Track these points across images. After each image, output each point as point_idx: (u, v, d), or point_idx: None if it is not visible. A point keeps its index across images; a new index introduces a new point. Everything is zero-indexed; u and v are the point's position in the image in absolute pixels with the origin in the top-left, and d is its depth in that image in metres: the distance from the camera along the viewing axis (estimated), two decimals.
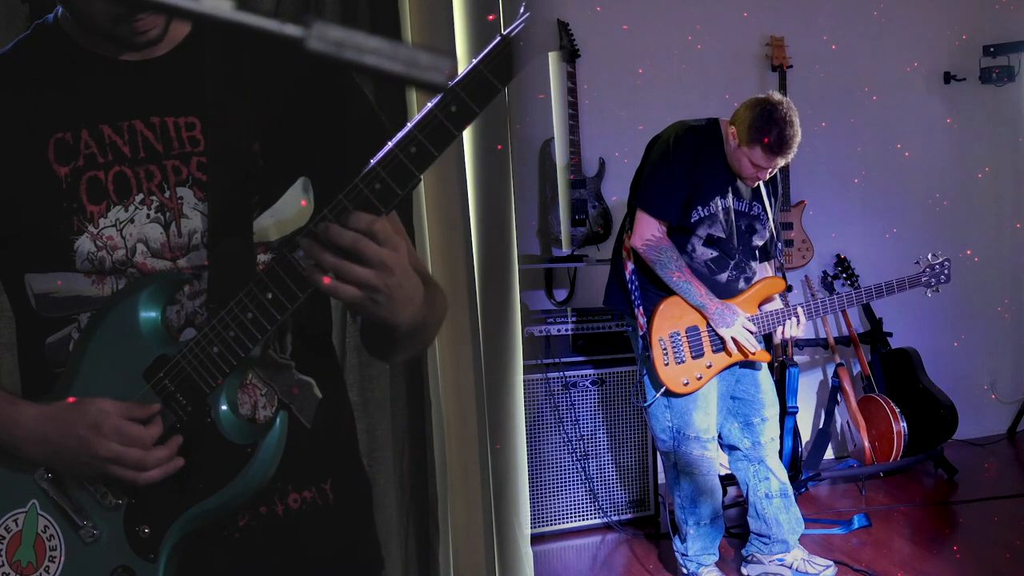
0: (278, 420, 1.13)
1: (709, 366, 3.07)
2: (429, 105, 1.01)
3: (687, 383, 3.06)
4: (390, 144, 1.02)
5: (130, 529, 1.14)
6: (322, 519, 1.27)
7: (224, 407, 1.13)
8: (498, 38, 1.01)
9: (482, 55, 1.00)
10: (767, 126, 2.92)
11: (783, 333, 3.11)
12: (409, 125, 1.02)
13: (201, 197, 1.17)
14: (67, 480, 1.16)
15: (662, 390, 3.06)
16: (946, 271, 3.21)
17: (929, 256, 3.24)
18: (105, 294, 1.16)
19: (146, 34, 1.15)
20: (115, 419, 1.10)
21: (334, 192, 1.04)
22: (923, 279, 3.21)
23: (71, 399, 1.14)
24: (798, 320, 3.08)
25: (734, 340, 3.03)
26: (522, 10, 1.03)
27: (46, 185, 1.15)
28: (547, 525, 3.77)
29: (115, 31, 1.14)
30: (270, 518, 1.22)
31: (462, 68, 0.99)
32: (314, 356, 1.27)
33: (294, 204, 1.19)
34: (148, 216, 1.16)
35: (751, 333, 3.05)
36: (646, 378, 3.14)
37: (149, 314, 1.14)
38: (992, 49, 5.11)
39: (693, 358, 3.06)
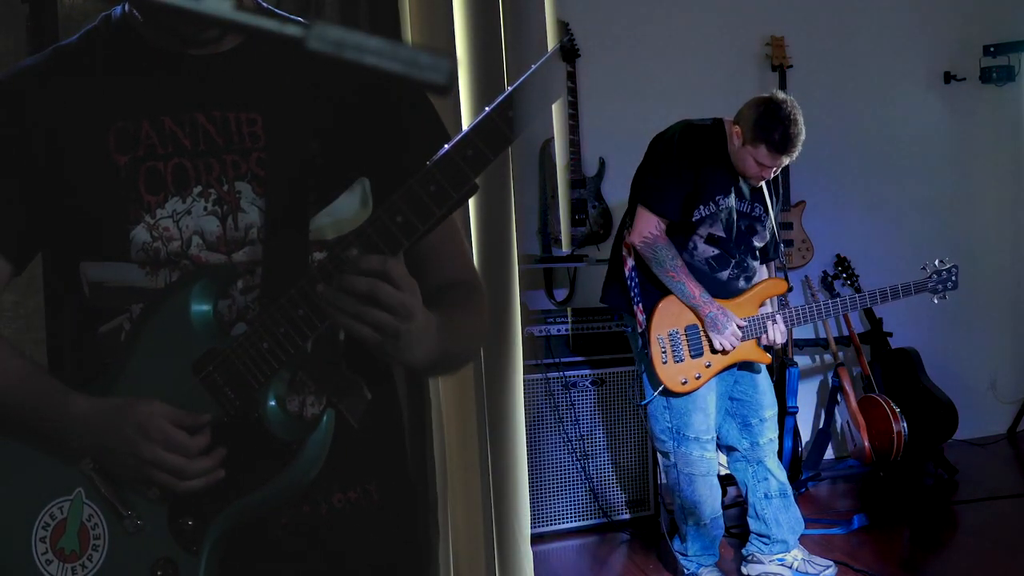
0: (325, 418, 1.13)
1: (708, 365, 3.07)
2: (487, 109, 1.01)
3: (685, 382, 3.06)
4: (447, 147, 1.02)
5: (174, 521, 1.14)
6: (366, 520, 1.27)
7: (272, 403, 1.13)
8: (550, 51, 1.03)
9: (537, 64, 1.01)
10: (772, 124, 2.92)
11: (764, 339, 3.09)
12: (467, 129, 1.02)
13: (259, 192, 1.18)
14: (113, 476, 1.16)
15: (660, 389, 3.06)
16: (954, 277, 3.18)
17: (936, 262, 3.20)
18: (158, 286, 1.17)
19: (208, 29, 1.16)
20: (162, 423, 1.10)
21: (391, 193, 1.05)
22: (930, 285, 3.20)
23: (124, 397, 1.14)
24: (777, 326, 3.07)
25: (721, 344, 3.04)
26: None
27: (105, 173, 1.16)
28: (547, 525, 3.77)
29: (179, 25, 1.15)
30: (313, 517, 1.22)
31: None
32: (365, 356, 1.26)
33: (351, 204, 1.20)
34: (205, 209, 1.17)
35: (738, 340, 3.05)
36: (645, 376, 3.14)
37: (201, 307, 1.14)
38: (992, 49, 5.11)
39: (692, 357, 3.06)
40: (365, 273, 1.04)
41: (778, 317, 3.08)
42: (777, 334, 3.07)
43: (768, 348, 3.15)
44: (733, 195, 3.09)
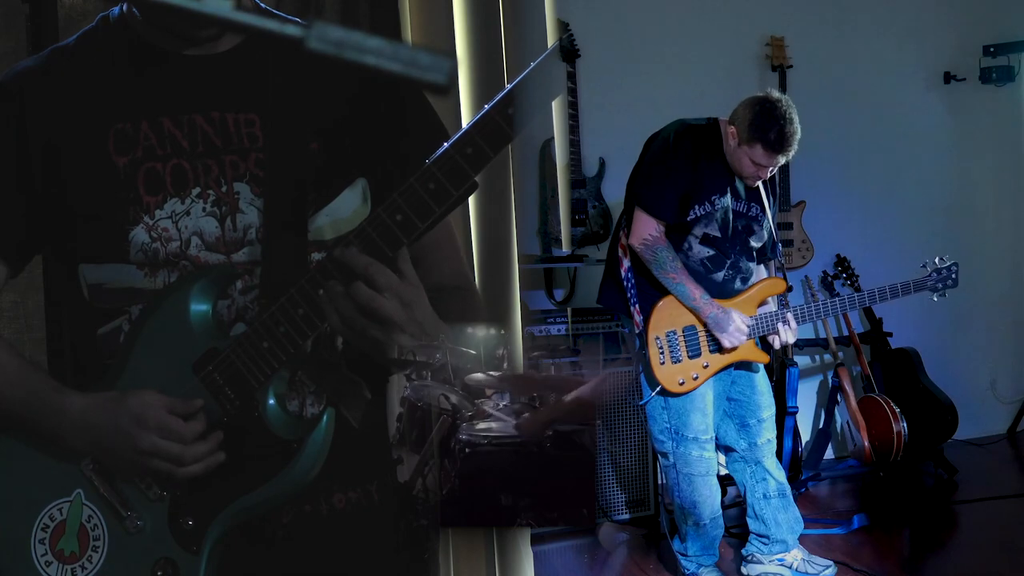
0: (325, 417, 1.13)
1: (706, 366, 3.07)
2: (487, 107, 1.01)
3: (683, 383, 3.06)
4: (446, 145, 1.03)
5: (174, 521, 1.15)
6: (366, 520, 1.27)
7: (272, 402, 1.14)
8: (549, 48, 1.04)
9: (536, 62, 1.02)
10: (767, 124, 2.92)
11: (777, 341, 3.08)
12: (467, 126, 1.02)
13: (258, 193, 1.18)
14: (112, 471, 1.17)
15: (658, 389, 3.06)
16: (954, 275, 3.18)
17: (936, 260, 3.20)
18: (157, 287, 1.17)
19: (206, 28, 1.16)
20: (157, 412, 1.11)
21: (390, 193, 1.05)
22: (929, 283, 3.19)
23: (117, 391, 1.15)
24: (788, 325, 3.07)
25: (729, 343, 3.03)
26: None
27: (104, 174, 1.17)
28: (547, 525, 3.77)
29: (178, 24, 1.15)
30: (314, 517, 1.23)
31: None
32: (364, 356, 1.27)
33: (350, 204, 1.21)
34: (204, 209, 1.18)
35: (745, 336, 3.04)
36: (643, 376, 3.14)
37: (200, 307, 1.15)
38: (992, 49, 5.11)
39: (690, 357, 3.06)
40: (351, 267, 1.04)
41: (789, 316, 3.07)
42: (789, 334, 3.07)
43: (767, 348, 3.15)
44: (729, 194, 3.09)
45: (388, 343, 1.08)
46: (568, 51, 4.21)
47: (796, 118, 2.95)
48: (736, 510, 3.85)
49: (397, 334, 1.07)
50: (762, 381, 3.25)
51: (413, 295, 1.08)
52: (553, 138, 4.22)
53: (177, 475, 1.12)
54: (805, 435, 4.76)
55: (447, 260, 1.35)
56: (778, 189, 3.32)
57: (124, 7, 1.22)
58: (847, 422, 4.51)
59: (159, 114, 1.18)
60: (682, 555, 3.29)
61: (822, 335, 4.80)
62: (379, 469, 1.31)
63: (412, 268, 1.08)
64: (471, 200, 2.30)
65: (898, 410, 4.31)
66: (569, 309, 3.94)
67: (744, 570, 3.35)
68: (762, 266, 3.30)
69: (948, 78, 5.12)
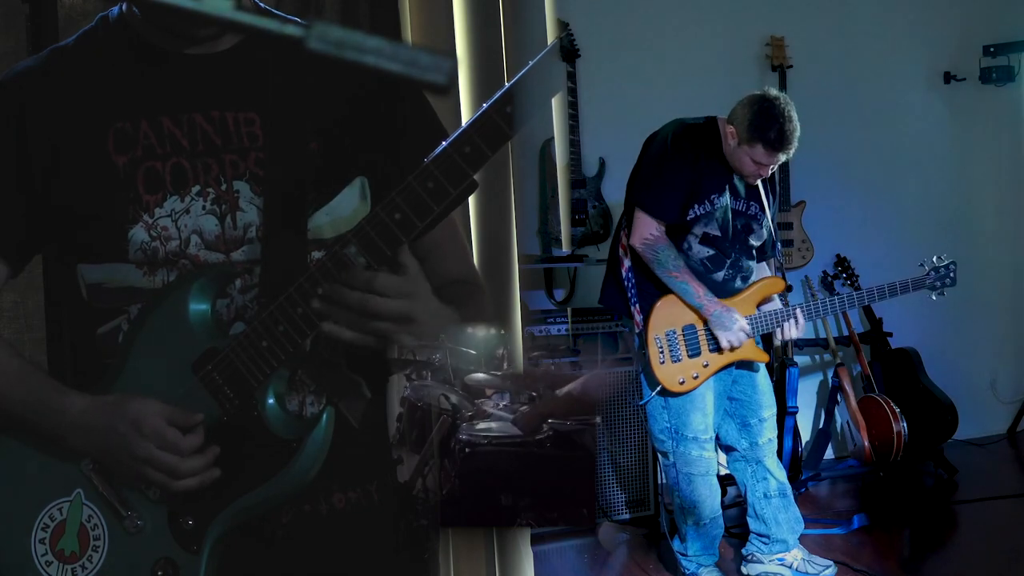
0: (324, 416, 1.13)
1: (706, 365, 3.07)
2: (485, 105, 1.01)
3: (683, 382, 3.06)
4: (444, 143, 1.03)
5: (174, 521, 1.15)
6: (366, 520, 1.27)
7: (271, 401, 1.14)
8: (548, 47, 1.04)
9: (535, 60, 1.02)
10: (767, 123, 2.92)
11: (782, 335, 3.09)
12: (465, 125, 1.02)
13: (258, 192, 1.18)
14: (111, 472, 1.17)
15: (658, 388, 3.06)
16: (952, 274, 3.19)
17: (934, 259, 3.20)
18: (156, 286, 1.17)
19: (206, 27, 1.16)
20: (156, 420, 1.11)
21: (390, 191, 1.05)
22: (927, 282, 3.19)
23: (119, 394, 1.15)
24: (796, 321, 3.07)
25: (729, 342, 3.04)
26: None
27: (104, 173, 1.17)
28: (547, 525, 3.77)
29: (178, 23, 1.15)
30: (314, 517, 1.23)
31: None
32: (364, 355, 1.26)
33: (350, 203, 1.21)
34: (204, 208, 1.18)
35: (747, 336, 3.05)
36: (643, 376, 3.14)
37: (199, 307, 1.15)
38: (992, 49, 5.11)
39: (689, 357, 3.06)
40: (353, 287, 1.04)
41: (798, 312, 3.08)
42: (795, 330, 3.08)
43: (767, 347, 3.15)
44: (728, 193, 3.09)
45: (401, 338, 1.08)
46: (568, 51, 4.21)
47: (795, 115, 2.95)
48: (736, 510, 3.85)
49: (407, 326, 1.07)
50: (763, 380, 3.25)
51: (420, 288, 1.09)
52: (553, 138, 4.22)
53: (171, 488, 1.12)
54: (805, 435, 4.76)
55: (453, 256, 1.35)
56: (778, 188, 3.32)
57: (124, 7, 1.22)
58: (847, 422, 4.51)
59: (159, 113, 1.18)
60: (682, 555, 3.29)
61: (822, 335, 4.80)
62: (379, 469, 1.31)
63: (414, 260, 1.09)
64: (471, 200, 2.30)
65: (898, 410, 4.31)
66: (569, 309, 3.94)
67: (744, 570, 3.35)
68: (763, 264, 3.30)
69: (948, 78, 5.12)
